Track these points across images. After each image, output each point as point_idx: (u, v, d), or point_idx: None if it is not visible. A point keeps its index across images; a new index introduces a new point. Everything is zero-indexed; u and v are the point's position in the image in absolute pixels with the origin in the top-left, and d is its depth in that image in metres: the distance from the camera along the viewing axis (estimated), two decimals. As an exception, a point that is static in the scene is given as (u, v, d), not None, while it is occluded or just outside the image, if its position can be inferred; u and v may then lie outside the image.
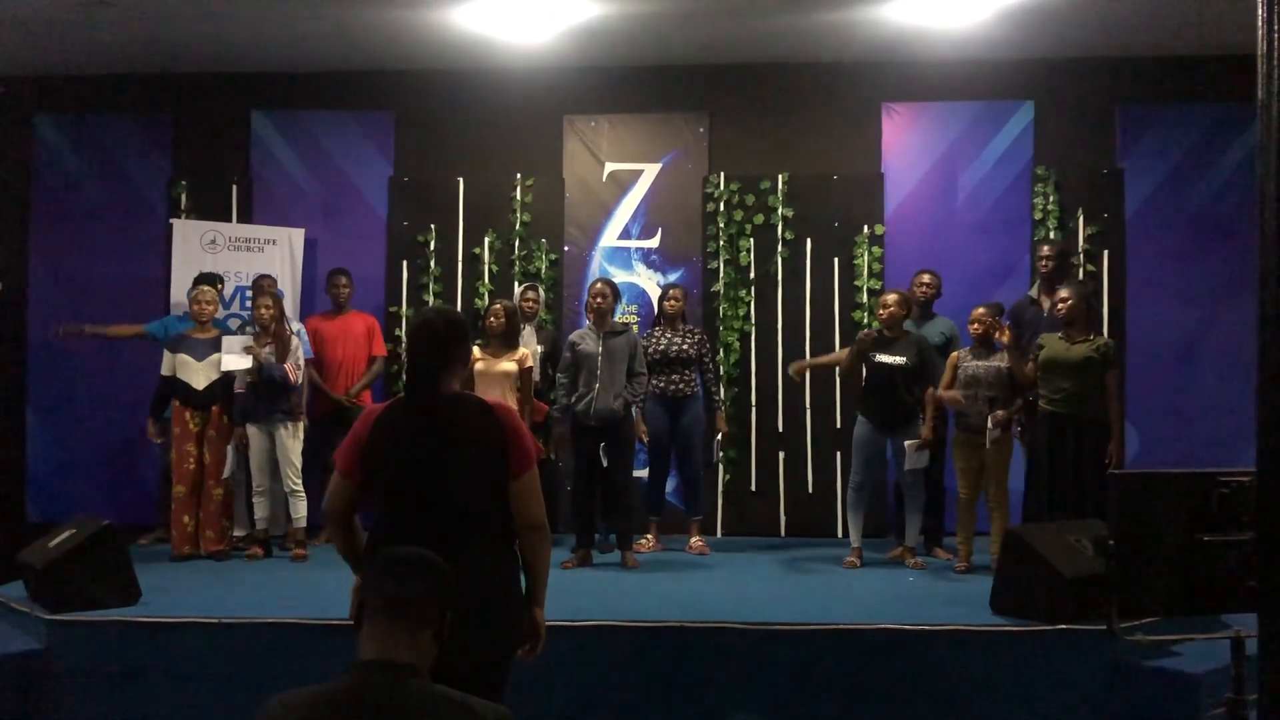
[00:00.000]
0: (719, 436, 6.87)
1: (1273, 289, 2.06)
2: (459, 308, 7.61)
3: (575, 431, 6.42)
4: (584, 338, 6.39)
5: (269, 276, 7.14)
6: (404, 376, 3.06)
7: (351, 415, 7.04)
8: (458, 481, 2.95)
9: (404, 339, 2.70)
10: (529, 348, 6.68)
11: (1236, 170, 7.44)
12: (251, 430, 6.49)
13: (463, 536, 2.91)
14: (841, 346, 7.45)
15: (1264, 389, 2.06)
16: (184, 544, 6.44)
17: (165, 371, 6.59)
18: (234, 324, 6.96)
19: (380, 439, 3.00)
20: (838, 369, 6.93)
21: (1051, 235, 7.48)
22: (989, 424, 5.98)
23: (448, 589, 2.31)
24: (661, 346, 6.68)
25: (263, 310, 6.49)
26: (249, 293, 7.29)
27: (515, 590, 3.03)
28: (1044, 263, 6.63)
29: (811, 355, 7.57)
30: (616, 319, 6.65)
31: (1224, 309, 7.43)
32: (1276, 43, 2.06)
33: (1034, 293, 6.79)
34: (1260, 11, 2.08)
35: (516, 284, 7.68)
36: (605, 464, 6.35)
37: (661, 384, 6.63)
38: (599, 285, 6.50)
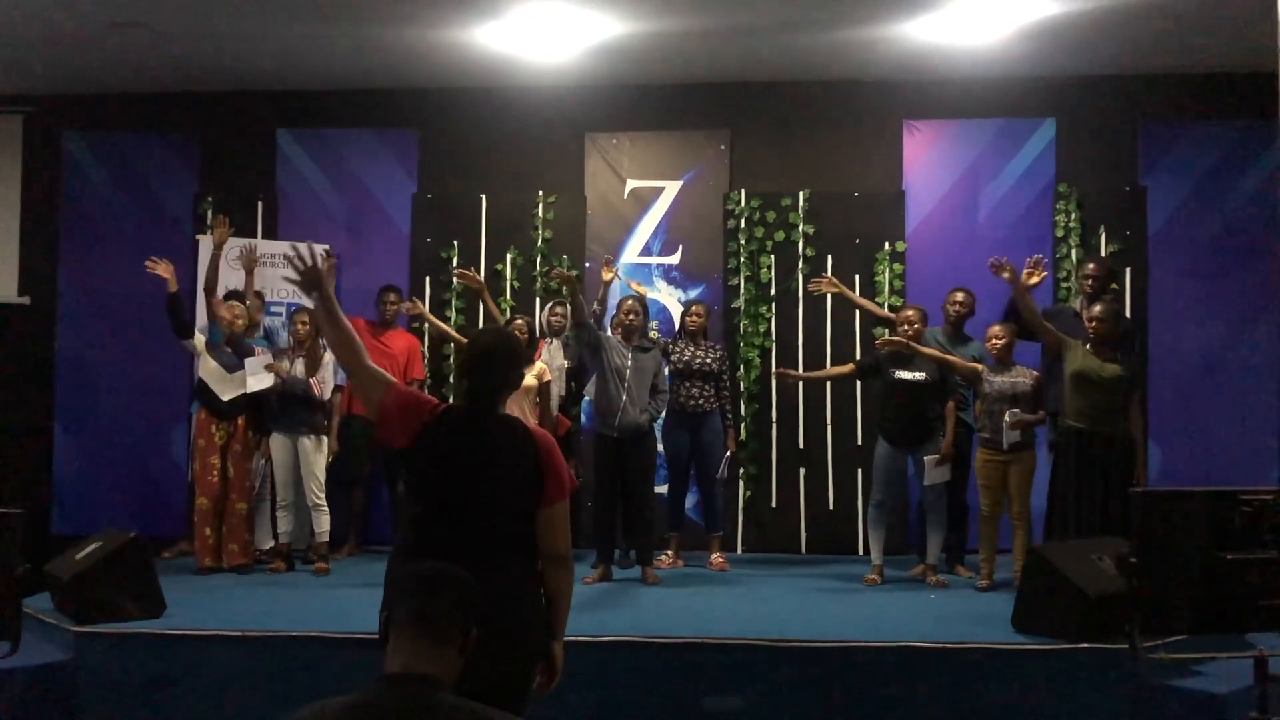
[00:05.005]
0: (728, 454, 6.88)
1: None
2: (480, 324, 7.66)
3: (598, 445, 6.44)
4: (612, 345, 6.37)
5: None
6: (465, 392, 3.10)
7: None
8: (491, 499, 2.97)
9: (462, 356, 2.79)
10: (556, 362, 6.72)
11: (1260, 188, 7.40)
12: (275, 441, 6.55)
13: (489, 552, 2.93)
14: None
15: (1286, 407, 2.06)
16: (206, 556, 6.48)
17: (200, 374, 6.65)
18: (259, 331, 7.02)
19: (427, 442, 3.01)
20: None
21: (1073, 254, 7.47)
22: (1005, 425, 5.97)
23: (474, 604, 2.32)
24: (685, 358, 6.71)
25: (299, 325, 6.59)
26: (274, 308, 7.37)
27: (538, 611, 3.03)
28: (1089, 282, 6.41)
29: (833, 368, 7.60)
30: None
31: (1247, 327, 7.39)
32: (1297, 62, 2.06)
33: (1077, 306, 6.70)
34: (1281, 31, 2.09)
35: (538, 300, 7.72)
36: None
37: (681, 398, 6.65)
38: (630, 302, 6.52)
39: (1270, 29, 2.14)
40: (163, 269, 6.67)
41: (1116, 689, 4.53)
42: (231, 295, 6.93)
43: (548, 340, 6.92)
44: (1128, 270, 7.52)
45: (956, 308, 6.70)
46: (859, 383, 7.49)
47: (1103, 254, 7.44)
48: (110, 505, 7.81)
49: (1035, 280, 5.93)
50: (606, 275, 6.56)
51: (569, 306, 6.29)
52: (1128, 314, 7.39)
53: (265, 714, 4.49)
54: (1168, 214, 7.59)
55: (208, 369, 6.57)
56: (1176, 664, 4.39)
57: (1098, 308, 5.92)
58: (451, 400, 3.17)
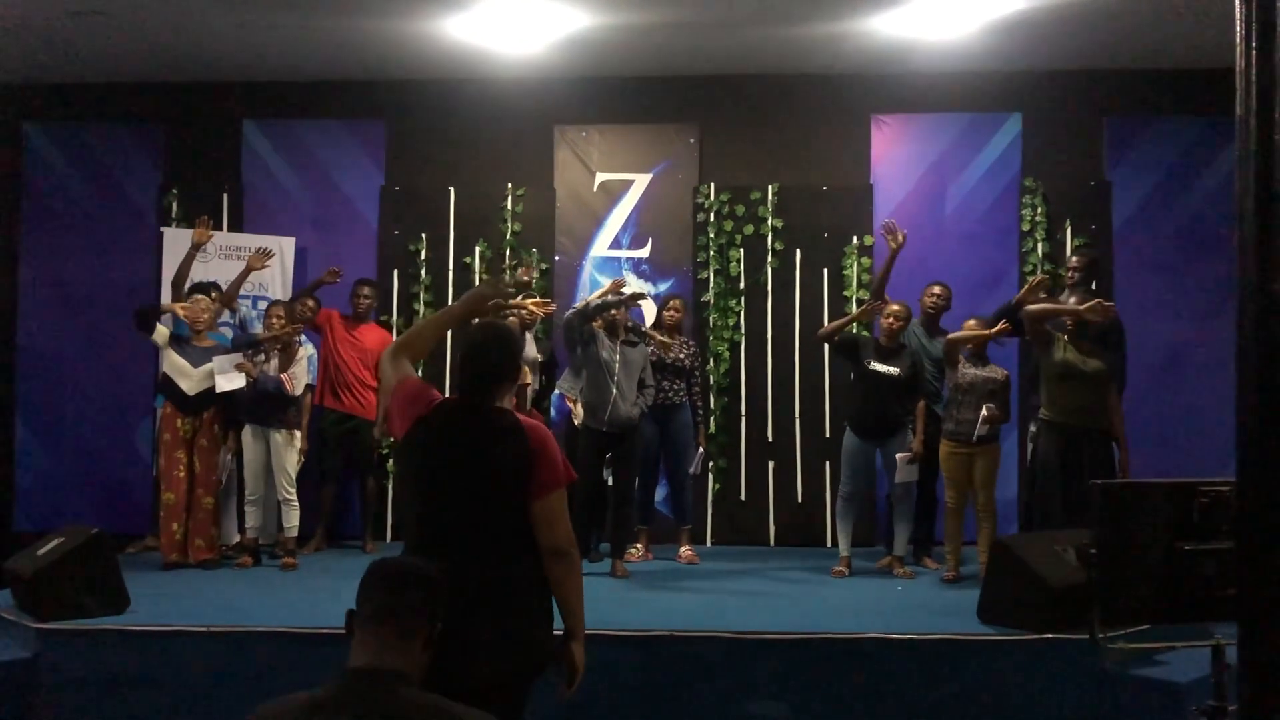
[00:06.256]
0: (700, 451, 6.89)
1: (1251, 300, 2.09)
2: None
3: (586, 440, 6.41)
4: (601, 340, 6.33)
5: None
6: (457, 386, 3.11)
7: (352, 426, 7.07)
8: (482, 493, 2.93)
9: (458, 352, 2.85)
10: (528, 356, 6.71)
11: (1222, 183, 7.48)
12: (247, 434, 6.51)
13: (485, 547, 2.91)
14: (830, 358, 7.44)
15: (1242, 398, 2.09)
16: (172, 552, 6.42)
17: (164, 369, 6.60)
18: (226, 331, 6.96)
19: (418, 434, 3.00)
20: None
21: (1039, 247, 7.53)
22: (981, 418, 6.00)
23: (438, 598, 2.32)
24: (659, 352, 6.70)
25: (273, 319, 6.58)
26: (241, 301, 7.31)
27: (537, 610, 2.97)
28: (1072, 274, 6.48)
29: (800, 366, 7.62)
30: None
31: (1209, 320, 7.46)
32: (1255, 60, 2.09)
33: (1061, 299, 6.74)
34: (1239, 29, 2.11)
35: (507, 294, 7.70)
36: (610, 481, 6.39)
37: (651, 392, 6.64)
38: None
39: (1231, 25, 2.17)
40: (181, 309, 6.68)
41: (1079, 679, 4.59)
42: (197, 288, 6.86)
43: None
44: (1092, 264, 7.59)
45: (934, 300, 6.76)
46: (826, 370, 7.53)
47: (1068, 247, 7.51)
48: (73, 501, 7.73)
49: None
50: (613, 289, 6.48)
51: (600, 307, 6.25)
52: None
53: (231, 710, 4.45)
54: (1132, 208, 7.67)
55: (172, 363, 6.50)
56: (1137, 653, 4.45)
57: (1072, 300, 5.96)
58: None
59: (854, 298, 7.60)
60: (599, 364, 6.26)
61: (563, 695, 3.01)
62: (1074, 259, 6.63)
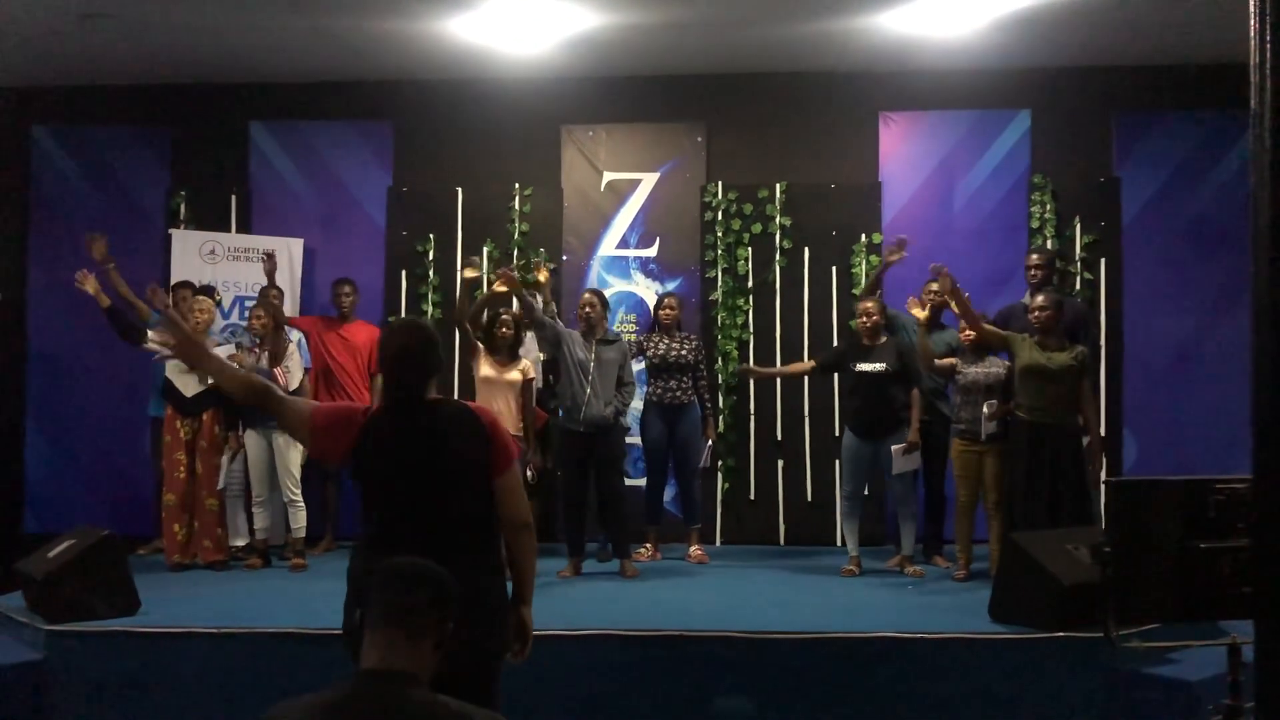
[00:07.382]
0: (709, 442, 6.88)
1: (1265, 295, 2.07)
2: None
3: (564, 440, 6.44)
4: (575, 340, 6.40)
5: (276, 289, 7.13)
6: (390, 388, 3.17)
7: None
8: (444, 487, 2.99)
9: (381, 356, 2.85)
10: (531, 354, 6.71)
11: (1233, 178, 7.45)
12: (250, 437, 6.51)
13: (451, 542, 2.94)
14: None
15: (1258, 395, 2.07)
16: (175, 553, 6.43)
17: (166, 372, 6.60)
18: (220, 335, 6.95)
19: (369, 445, 3.03)
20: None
21: (1048, 244, 7.49)
22: (983, 416, 5.99)
23: (448, 598, 2.32)
24: (661, 351, 6.70)
25: (254, 320, 6.56)
26: (249, 303, 7.31)
27: (501, 595, 3.07)
28: (1034, 272, 6.51)
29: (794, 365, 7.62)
30: (614, 327, 6.69)
31: (1221, 316, 7.44)
32: (1269, 53, 2.07)
33: (1028, 299, 6.78)
34: (1253, 22, 2.09)
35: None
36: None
37: (659, 391, 6.65)
38: (588, 295, 6.58)
39: (1242, 19, 2.15)
40: (89, 285, 6.61)
41: (1092, 677, 4.57)
42: (201, 290, 6.87)
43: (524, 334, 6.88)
44: (1102, 260, 7.57)
45: (932, 297, 6.73)
46: (835, 376, 7.51)
47: (1077, 244, 7.49)
48: (83, 503, 7.74)
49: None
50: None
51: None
52: (1101, 304, 7.45)
53: (241, 711, 4.47)
54: (1141, 204, 7.63)
55: (171, 366, 6.51)
56: (1151, 652, 4.42)
57: (1039, 298, 5.99)
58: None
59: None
60: (575, 364, 6.30)
61: (517, 658, 3.09)
62: (1033, 257, 6.59)
